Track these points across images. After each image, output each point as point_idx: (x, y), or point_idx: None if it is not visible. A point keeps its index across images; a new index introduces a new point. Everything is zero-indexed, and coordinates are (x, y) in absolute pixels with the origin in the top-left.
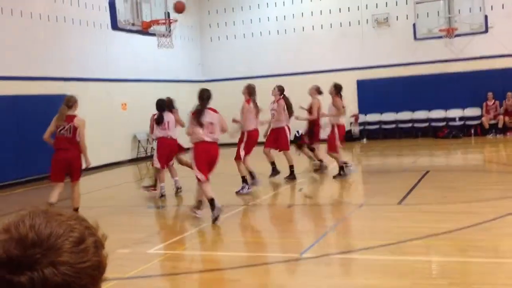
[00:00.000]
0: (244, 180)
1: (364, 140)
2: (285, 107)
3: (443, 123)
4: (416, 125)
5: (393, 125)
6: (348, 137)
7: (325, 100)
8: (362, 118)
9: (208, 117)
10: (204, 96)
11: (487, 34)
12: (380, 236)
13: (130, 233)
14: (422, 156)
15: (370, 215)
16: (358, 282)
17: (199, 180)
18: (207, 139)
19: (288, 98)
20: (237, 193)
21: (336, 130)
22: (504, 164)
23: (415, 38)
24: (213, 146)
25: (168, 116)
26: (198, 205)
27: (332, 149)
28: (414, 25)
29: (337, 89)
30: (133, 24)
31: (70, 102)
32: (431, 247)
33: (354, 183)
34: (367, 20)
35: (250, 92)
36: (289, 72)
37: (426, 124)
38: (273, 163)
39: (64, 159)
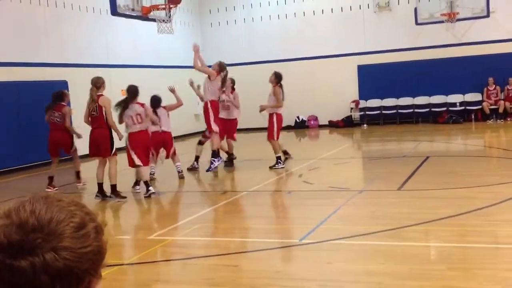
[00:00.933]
0: (214, 155)
1: (365, 126)
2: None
3: (444, 109)
4: (416, 110)
5: (394, 111)
6: (349, 123)
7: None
8: (363, 103)
9: (133, 109)
10: (130, 92)
11: (488, 18)
12: (379, 221)
13: (130, 219)
14: (422, 142)
15: (369, 201)
16: (357, 268)
17: (139, 165)
18: (136, 129)
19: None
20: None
21: (274, 118)
22: (505, 149)
23: (416, 22)
24: (145, 134)
25: (160, 112)
26: (136, 183)
27: (270, 137)
28: (415, 9)
29: (277, 78)
30: (133, 10)
31: (98, 83)
32: (430, 232)
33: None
34: (368, 4)
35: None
36: (289, 58)
37: (426, 110)
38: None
39: (92, 138)
